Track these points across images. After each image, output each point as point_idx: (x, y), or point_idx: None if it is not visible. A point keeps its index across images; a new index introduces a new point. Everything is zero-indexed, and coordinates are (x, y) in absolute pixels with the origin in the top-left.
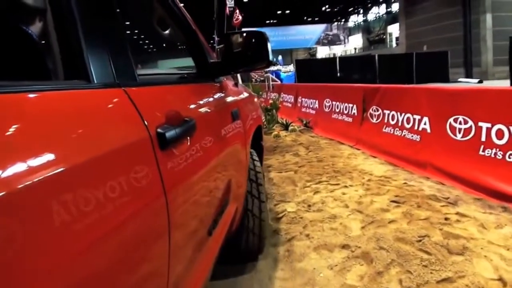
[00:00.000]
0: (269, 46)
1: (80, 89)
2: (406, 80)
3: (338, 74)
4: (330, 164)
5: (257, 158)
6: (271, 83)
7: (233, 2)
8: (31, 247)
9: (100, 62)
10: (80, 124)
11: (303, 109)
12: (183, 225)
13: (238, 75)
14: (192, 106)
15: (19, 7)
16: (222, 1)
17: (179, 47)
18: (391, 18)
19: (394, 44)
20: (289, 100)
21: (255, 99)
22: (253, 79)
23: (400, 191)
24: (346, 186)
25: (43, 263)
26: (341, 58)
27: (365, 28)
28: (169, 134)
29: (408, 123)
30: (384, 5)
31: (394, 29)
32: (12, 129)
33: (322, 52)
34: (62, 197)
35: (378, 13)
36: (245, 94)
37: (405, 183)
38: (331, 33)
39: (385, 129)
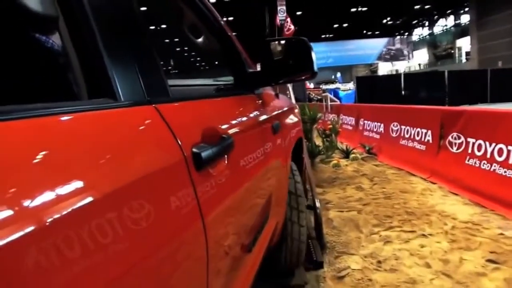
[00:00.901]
0: (313, 54)
1: (105, 108)
2: (479, 99)
3: (403, 92)
4: (401, 202)
5: (297, 173)
6: (329, 103)
7: (284, 14)
8: (69, 276)
9: (127, 77)
10: (106, 148)
11: (366, 133)
12: (221, 246)
13: (292, 94)
14: (230, 121)
15: (34, 18)
16: (274, 15)
17: (215, 56)
18: (461, 31)
19: (464, 59)
20: (349, 122)
21: (296, 110)
22: (312, 96)
23: (496, 245)
24: (424, 235)
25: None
26: (406, 74)
27: (431, 42)
28: (205, 154)
29: (500, 156)
30: (452, 17)
31: (463, 43)
32: (35, 157)
33: (384, 68)
34: (92, 227)
35: (446, 25)
36: (287, 106)
37: (501, 233)
38: (393, 47)
39: (469, 160)
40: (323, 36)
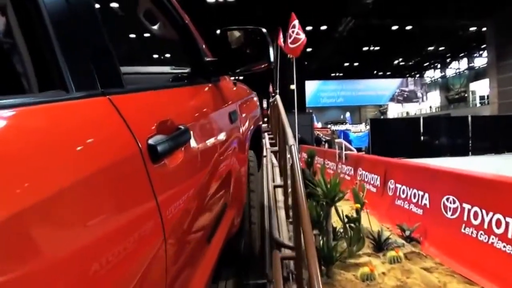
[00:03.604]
0: (270, 44)
1: (56, 101)
2: (506, 147)
3: (422, 137)
4: None
5: (254, 159)
6: (343, 151)
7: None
8: (21, 273)
9: (80, 67)
10: (57, 143)
11: (399, 202)
12: (179, 238)
13: (291, 137)
14: (187, 111)
15: None
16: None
17: (172, 44)
18: (474, 74)
19: (478, 103)
20: (372, 182)
21: (255, 98)
22: (320, 136)
23: None
24: None
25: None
26: (425, 118)
27: (443, 85)
28: (161, 145)
29: None
30: (465, 60)
31: (477, 87)
32: None
33: (394, 110)
34: (47, 225)
35: (459, 68)
36: (244, 94)
37: None
38: (407, 89)
39: None
40: (332, 74)
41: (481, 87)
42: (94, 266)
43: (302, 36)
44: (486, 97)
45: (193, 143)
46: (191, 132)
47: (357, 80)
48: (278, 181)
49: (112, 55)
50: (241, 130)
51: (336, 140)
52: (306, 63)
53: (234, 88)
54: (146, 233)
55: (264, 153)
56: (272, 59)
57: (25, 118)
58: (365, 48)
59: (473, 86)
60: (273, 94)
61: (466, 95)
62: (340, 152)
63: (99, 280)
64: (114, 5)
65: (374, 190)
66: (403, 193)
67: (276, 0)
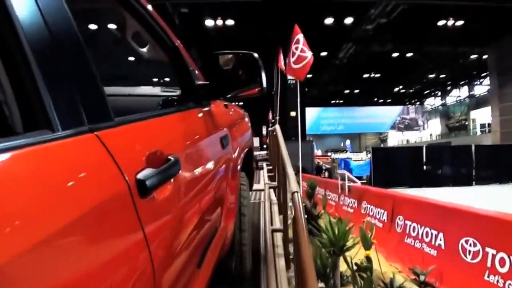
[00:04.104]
0: (262, 68)
1: (40, 143)
2: (510, 177)
3: (424, 167)
4: None
5: (245, 181)
6: (346, 183)
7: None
8: None
9: (65, 103)
10: (42, 189)
11: (408, 240)
12: (169, 269)
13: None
14: (177, 140)
15: None
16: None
17: (161, 67)
18: (475, 102)
19: (478, 132)
20: (377, 216)
21: (246, 119)
22: (320, 164)
23: None
24: None
25: None
26: (428, 147)
27: (444, 113)
28: (150, 180)
29: None
30: (466, 88)
31: (478, 115)
32: None
33: (394, 137)
34: (38, 268)
35: (459, 96)
36: (236, 115)
37: None
38: (408, 117)
39: None
40: (332, 101)
41: (481, 115)
42: None
43: (308, 54)
44: (487, 125)
45: (183, 173)
46: (182, 162)
47: (357, 107)
48: (277, 221)
49: (99, 87)
50: (233, 154)
51: (339, 171)
52: (306, 89)
53: (225, 111)
54: (134, 267)
55: (262, 187)
56: (264, 84)
57: (9, 164)
58: (366, 75)
59: (473, 114)
60: (273, 121)
61: (466, 123)
62: (343, 183)
63: None
64: (101, 28)
65: (380, 225)
66: (413, 231)
67: (276, 24)
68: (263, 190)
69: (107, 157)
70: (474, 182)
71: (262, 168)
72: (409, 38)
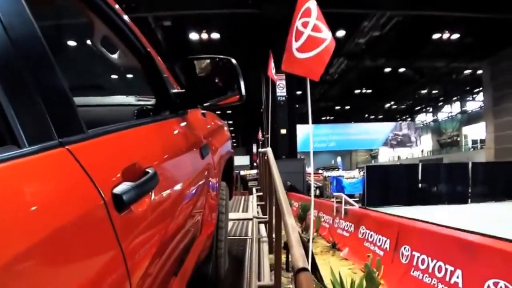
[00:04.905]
0: (240, 76)
1: (6, 160)
2: (506, 195)
3: (420, 185)
4: None
5: (225, 190)
6: (343, 205)
7: (284, 89)
8: None
9: (32, 117)
10: (12, 208)
11: (416, 273)
12: (145, 280)
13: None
14: (154, 151)
15: None
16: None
17: (135, 75)
18: (467, 118)
19: (470, 148)
20: (378, 244)
21: (225, 128)
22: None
23: None
24: None
25: None
26: (424, 165)
27: (435, 129)
28: (127, 194)
29: None
30: (458, 104)
31: (469, 131)
32: None
33: (385, 154)
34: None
35: (451, 112)
36: (215, 125)
37: None
38: (400, 133)
39: None
40: (323, 118)
41: (473, 131)
42: None
43: (327, 35)
44: (479, 141)
45: (162, 185)
46: (160, 174)
47: (349, 124)
48: (267, 271)
49: (68, 97)
50: (212, 164)
51: (336, 194)
52: (297, 106)
53: (203, 119)
54: (111, 281)
55: (250, 215)
56: (243, 91)
57: None
58: (357, 91)
59: (465, 130)
60: (263, 139)
61: (458, 139)
62: (339, 206)
63: None
64: (67, 33)
65: (381, 253)
66: (422, 264)
67: (262, 37)
68: (250, 219)
69: (81, 172)
70: (469, 200)
71: (251, 193)
72: (403, 52)
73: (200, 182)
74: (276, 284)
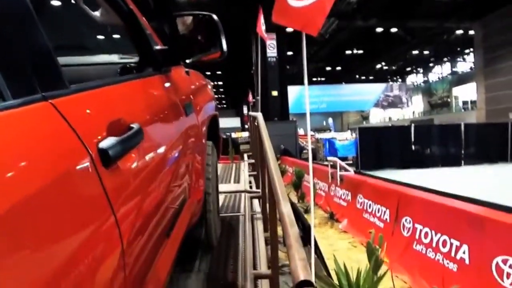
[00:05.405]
0: (222, 32)
1: None
2: (498, 157)
3: (413, 146)
4: None
5: (212, 150)
6: (338, 171)
7: (275, 50)
8: None
9: (14, 70)
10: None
11: (419, 247)
12: (137, 237)
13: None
14: (138, 107)
15: None
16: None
17: (117, 32)
18: (457, 79)
19: (461, 109)
20: (377, 214)
21: (209, 86)
22: (303, 144)
23: None
24: None
25: None
26: (417, 127)
27: (426, 90)
28: (113, 149)
29: None
30: (448, 65)
31: (460, 92)
32: None
33: (376, 115)
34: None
35: (441, 73)
36: (198, 82)
37: None
38: (391, 94)
39: None
40: (314, 79)
41: (464, 92)
42: (49, 272)
43: None
44: (469, 102)
45: (147, 141)
46: (145, 130)
47: (340, 85)
48: (263, 257)
49: (50, 52)
50: (197, 122)
51: (330, 158)
52: (288, 67)
53: (187, 77)
54: (102, 236)
55: (242, 187)
56: (225, 48)
57: None
58: (348, 52)
59: (456, 91)
60: (253, 101)
61: (449, 100)
62: (334, 172)
63: (57, 285)
64: None
65: (381, 225)
66: (425, 237)
67: None
68: (243, 191)
69: (65, 126)
70: (463, 162)
71: (244, 161)
72: (395, 12)
73: (185, 139)
74: (273, 273)
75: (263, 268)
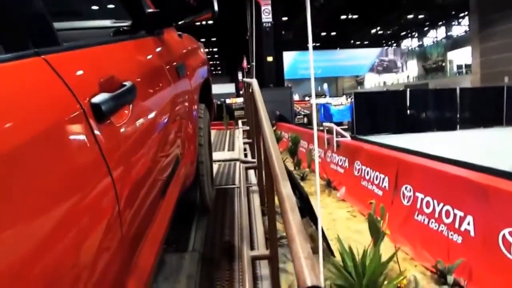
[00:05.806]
0: None
1: None
2: (493, 121)
3: (408, 111)
4: None
5: (205, 112)
6: (335, 137)
7: (270, 15)
8: None
9: (7, 25)
10: None
11: (420, 217)
12: (132, 194)
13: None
14: (130, 66)
15: None
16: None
17: None
18: (452, 43)
19: (455, 73)
20: (376, 182)
21: (202, 49)
22: (298, 110)
23: None
24: None
25: None
26: (412, 91)
27: (421, 54)
28: (105, 104)
29: None
30: (443, 28)
31: (455, 56)
32: None
33: (371, 80)
34: None
35: (436, 37)
36: (190, 45)
37: None
38: (386, 58)
39: None
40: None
41: (459, 56)
42: (44, 229)
43: None
44: (464, 67)
45: (140, 99)
46: (137, 88)
47: (335, 50)
48: (260, 235)
49: (42, 10)
50: (189, 84)
51: (326, 124)
52: (283, 32)
53: (180, 40)
54: (97, 192)
55: (236, 155)
56: (216, 7)
57: None
58: (343, 17)
59: (450, 55)
60: (249, 66)
61: (443, 64)
62: (330, 138)
63: (50, 243)
64: None
65: (380, 193)
66: (427, 207)
67: None
68: (237, 160)
69: (58, 81)
70: (458, 126)
71: (238, 129)
72: None
73: (178, 100)
74: (272, 253)
75: (261, 247)
